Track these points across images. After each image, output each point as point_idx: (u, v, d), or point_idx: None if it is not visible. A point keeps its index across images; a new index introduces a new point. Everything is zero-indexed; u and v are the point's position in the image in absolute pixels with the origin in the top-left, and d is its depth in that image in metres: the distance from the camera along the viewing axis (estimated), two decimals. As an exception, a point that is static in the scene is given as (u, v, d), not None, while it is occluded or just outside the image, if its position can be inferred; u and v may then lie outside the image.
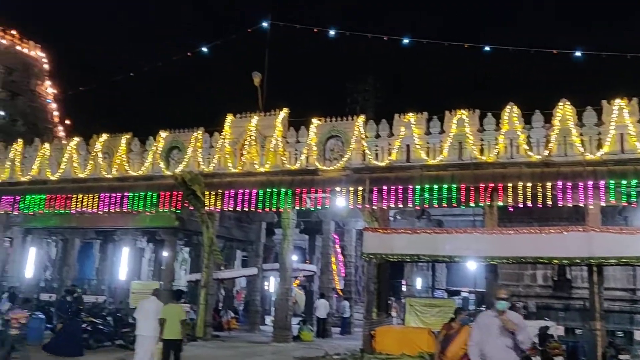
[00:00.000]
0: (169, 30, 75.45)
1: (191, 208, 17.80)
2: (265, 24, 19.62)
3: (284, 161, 17.15)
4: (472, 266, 15.86)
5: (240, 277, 24.08)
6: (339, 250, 24.45)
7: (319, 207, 17.24)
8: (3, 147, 22.24)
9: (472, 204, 14.74)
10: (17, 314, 11.08)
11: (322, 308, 19.18)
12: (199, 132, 18.54)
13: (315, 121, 17.06)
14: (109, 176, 19.45)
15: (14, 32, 40.25)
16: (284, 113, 17.70)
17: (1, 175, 21.49)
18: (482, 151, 15.11)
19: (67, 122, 40.65)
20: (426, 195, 15.16)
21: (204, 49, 19.86)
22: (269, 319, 21.93)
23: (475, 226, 16.51)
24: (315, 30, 18.52)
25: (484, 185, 14.51)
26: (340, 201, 16.15)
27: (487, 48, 17.64)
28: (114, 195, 19.05)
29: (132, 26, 79.70)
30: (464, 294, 21.27)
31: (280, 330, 16.81)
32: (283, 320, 16.89)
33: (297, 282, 24.52)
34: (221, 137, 18.10)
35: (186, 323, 10.51)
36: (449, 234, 13.49)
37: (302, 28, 18.89)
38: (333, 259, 22.88)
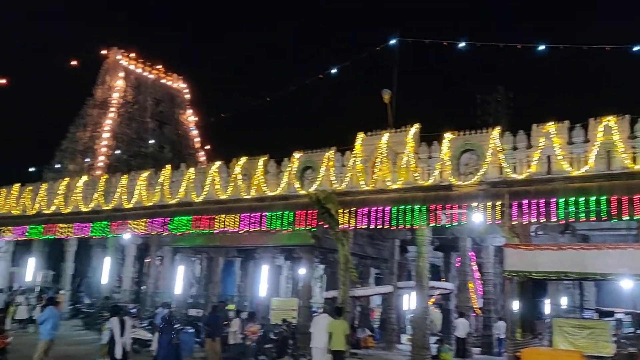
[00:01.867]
0: (301, 54, 78.22)
1: (326, 226, 18.13)
2: (393, 41, 19.66)
3: (417, 177, 16.95)
4: (627, 285, 14.58)
5: (376, 294, 24.02)
6: (475, 267, 23.61)
7: (454, 224, 16.79)
8: (153, 172, 24.14)
9: (625, 217, 13.59)
10: (252, 327, 12.61)
11: (461, 327, 18.58)
12: (331, 151, 18.90)
13: (447, 135, 16.72)
14: (248, 197, 20.38)
15: (159, 66, 43.81)
16: (415, 129, 17.55)
17: (152, 199, 23.31)
18: (634, 159, 13.93)
19: (208, 147, 43.26)
20: (571, 208, 14.21)
21: (334, 71, 20.30)
22: (404, 338, 21.64)
23: (628, 241, 15.20)
24: (445, 43, 18.22)
25: (639, 197, 13.34)
26: (477, 217, 15.61)
27: (637, 48, 16.28)
28: (253, 215, 19.90)
29: (263, 53, 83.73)
30: (618, 315, 19.56)
31: (418, 350, 16.52)
32: (421, 339, 16.58)
33: (433, 300, 23.98)
34: (352, 155, 18.31)
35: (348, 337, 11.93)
36: (599, 250, 12.49)
37: (430, 42, 18.68)
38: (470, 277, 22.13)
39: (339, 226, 17.57)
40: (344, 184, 18.28)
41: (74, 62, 30.78)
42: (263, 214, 19.60)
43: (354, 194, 17.94)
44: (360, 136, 18.35)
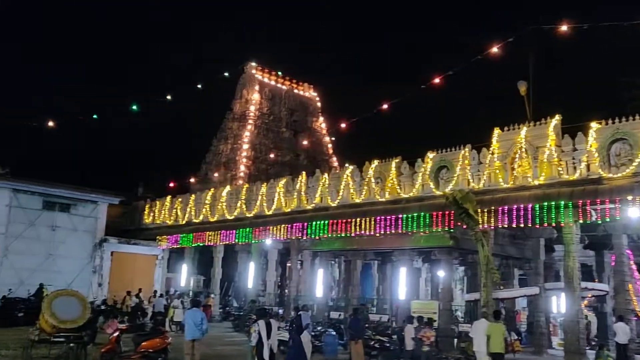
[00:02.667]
0: (429, 52, 77.15)
1: (464, 227, 17.62)
2: (528, 30, 18.65)
3: (561, 172, 15.93)
4: None
5: (521, 296, 22.90)
6: (634, 267, 21.65)
7: (606, 220, 15.56)
8: (290, 180, 24.99)
9: None
10: (426, 332, 12.97)
11: (621, 332, 17.10)
12: (465, 149, 18.36)
13: (594, 125, 15.53)
14: (382, 199, 20.38)
15: (291, 78, 45.30)
16: (555, 120, 16.50)
17: (291, 205, 24.13)
18: None
19: (341, 152, 43.93)
20: None
21: (465, 65, 19.70)
22: (555, 342, 20.41)
23: None
24: (584, 26, 16.91)
25: None
26: (634, 211, 14.33)
27: None
28: (389, 217, 19.87)
29: (390, 54, 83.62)
30: None
31: (572, 355, 15.47)
32: (575, 345, 15.51)
33: (586, 302, 22.36)
34: (489, 152, 17.64)
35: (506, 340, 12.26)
36: None
37: (568, 27, 17.43)
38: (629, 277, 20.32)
39: (478, 226, 16.97)
40: (481, 182, 17.66)
41: (224, 74, 33.06)
42: (398, 216, 19.50)
43: (492, 192, 17.27)
44: (496, 132, 17.62)
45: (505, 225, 17.10)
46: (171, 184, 36.72)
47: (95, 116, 29.23)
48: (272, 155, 39.81)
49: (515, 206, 16.45)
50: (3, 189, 26.94)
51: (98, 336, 14.60)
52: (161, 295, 25.88)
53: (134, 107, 28.05)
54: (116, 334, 12.85)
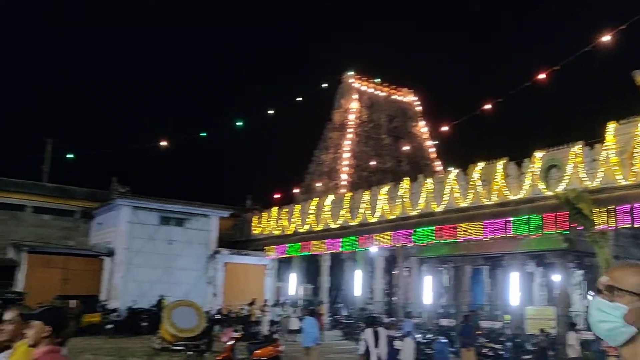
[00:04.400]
0: (530, 45, 74.08)
1: (579, 228, 16.66)
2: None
3: (688, 165, 14.67)
4: None
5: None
6: None
7: None
8: (393, 186, 24.84)
9: None
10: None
11: None
12: (577, 146, 17.37)
13: None
14: (490, 203, 19.73)
15: (389, 84, 45.14)
16: (679, 109, 15.25)
17: (394, 212, 23.96)
18: None
19: (443, 156, 43.08)
20: None
21: (574, 57, 18.67)
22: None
23: None
24: None
25: None
26: None
27: None
28: (497, 221, 19.21)
29: (491, 52, 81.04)
30: None
31: None
32: None
33: None
34: (604, 148, 16.57)
35: None
36: None
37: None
38: None
39: (595, 227, 15.98)
40: (596, 180, 16.62)
41: (324, 85, 33.75)
42: (507, 219, 18.79)
43: (610, 190, 16.19)
44: (611, 126, 16.53)
45: (627, 225, 15.97)
46: (277, 195, 37.71)
47: (203, 134, 30.73)
48: (373, 163, 39.78)
49: (638, 204, 15.33)
50: (125, 207, 28.98)
51: (214, 344, 15.25)
52: (275, 305, 26.58)
53: (239, 123, 29.18)
54: (231, 342, 13.35)
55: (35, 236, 30.63)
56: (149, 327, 21.22)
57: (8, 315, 3.88)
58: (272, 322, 23.39)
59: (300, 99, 31.51)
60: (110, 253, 28.81)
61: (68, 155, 31.32)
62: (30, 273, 27.01)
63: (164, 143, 29.09)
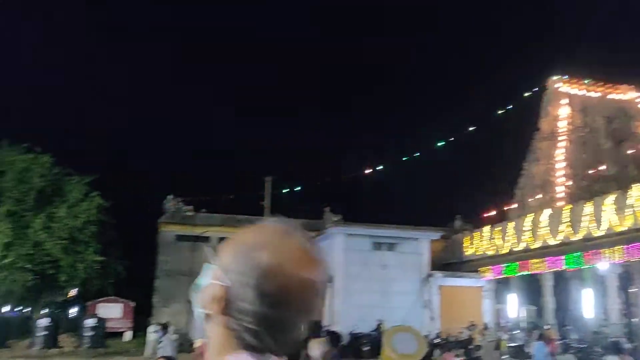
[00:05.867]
0: None
1: None
2: None
3: None
4: None
5: None
6: None
7: None
8: (620, 194, 22.38)
9: None
10: None
11: None
12: None
13: None
14: None
15: (604, 83, 41.27)
16: None
17: (624, 223, 21.53)
18: None
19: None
20: None
21: None
22: None
23: None
24: None
25: None
26: None
27: None
28: None
29: None
30: None
31: None
32: None
33: None
34: None
35: None
36: None
37: None
38: None
39: None
40: None
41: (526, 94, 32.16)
42: None
43: None
44: None
45: None
46: (487, 214, 36.40)
47: (405, 158, 31.04)
48: (592, 171, 36.39)
49: None
50: (338, 235, 30.31)
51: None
52: (497, 328, 25.46)
53: (440, 144, 28.94)
54: (454, 367, 13.02)
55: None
56: (370, 352, 21.72)
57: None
58: (496, 347, 22.36)
59: (504, 110, 30.25)
60: (330, 280, 30.21)
61: (284, 190, 33.90)
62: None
63: (368, 170, 29.99)
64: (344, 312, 28.74)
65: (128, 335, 31.53)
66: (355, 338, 24.80)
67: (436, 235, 32.35)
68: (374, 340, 21.45)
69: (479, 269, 31.70)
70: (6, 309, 34.48)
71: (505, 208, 39.06)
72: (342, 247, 30.16)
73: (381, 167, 31.91)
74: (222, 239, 33.96)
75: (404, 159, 31.27)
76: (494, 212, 37.08)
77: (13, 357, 21.26)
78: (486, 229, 31.98)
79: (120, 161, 73.25)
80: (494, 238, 30.75)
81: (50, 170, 30.40)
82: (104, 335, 23.76)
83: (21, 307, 39.00)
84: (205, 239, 34.15)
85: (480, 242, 32.15)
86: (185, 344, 25.30)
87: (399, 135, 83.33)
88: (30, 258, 27.71)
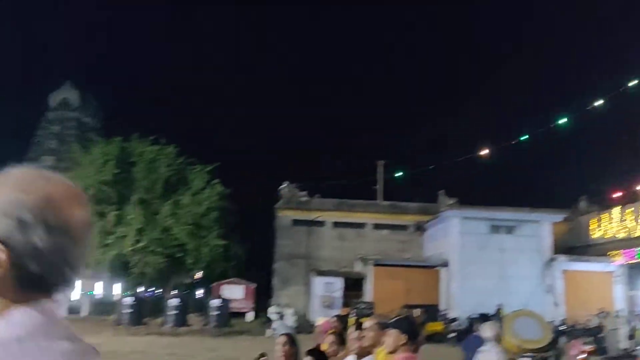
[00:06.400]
0: None
1: None
2: None
3: None
4: None
5: None
6: None
7: None
8: None
9: None
10: None
11: None
12: None
13: None
14: None
15: None
16: None
17: None
18: None
19: None
20: None
21: None
22: None
23: None
24: None
25: None
26: None
27: None
28: None
29: None
30: None
31: None
32: None
33: None
34: None
35: None
36: None
37: None
38: None
39: None
40: None
41: None
42: None
43: None
44: None
45: None
46: (616, 194, 33.91)
47: (524, 137, 29.58)
48: None
49: None
50: (454, 218, 29.67)
51: (563, 358, 14.32)
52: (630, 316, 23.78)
53: (563, 121, 27.26)
54: (582, 356, 12.35)
55: (376, 250, 33.56)
56: (490, 337, 21.11)
57: (367, 323, 4.24)
58: (630, 336, 20.87)
59: (637, 81, 27.87)
60: (445, 264, 29.75)
61: (397, 174, 33.65)
62: (377, 284, 29.66)
63: (485, 152, 28.93)
64: (461, 296, 28.18)
65: (250, 316, 32.94)
66: (474, 323, 24.20)
67: (559, 217, 30.69)
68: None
69: (609, 253, 29.68)
70: (140, 290, 37.30)
71: (637, 187, 36.18)
72: (457, 231, 29.52)
73: (498, 147, 30.62)
74: (336, 223, 34.64)
75: (522, 138, 29.78)
76: (623, 192, 34.46)
77: (148, 333, 22.93)
78: (616, 210, 29.83)
79: (239, 150, 76.37)
80: (625, 220, 28.64)
81: (175, 160, 32.36)
82: (229, 315, 24.96)
83: (153, 289, 42.06)
84: (320, 224, 34.82)
85: (610, 224, 30.08)
86: (304, 325, 26.09)
87: (516, 113, 79.68)
88: (160, 242, 29.76)
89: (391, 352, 3.51)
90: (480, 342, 6.67)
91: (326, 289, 31.26)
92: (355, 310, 21.94)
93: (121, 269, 32.89)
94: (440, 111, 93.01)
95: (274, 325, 24.97)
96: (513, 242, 29.41)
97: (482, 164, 39.75)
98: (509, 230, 29.75)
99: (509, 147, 30.94)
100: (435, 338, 22.59)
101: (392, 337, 3.48)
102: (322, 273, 32.52)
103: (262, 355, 10.54)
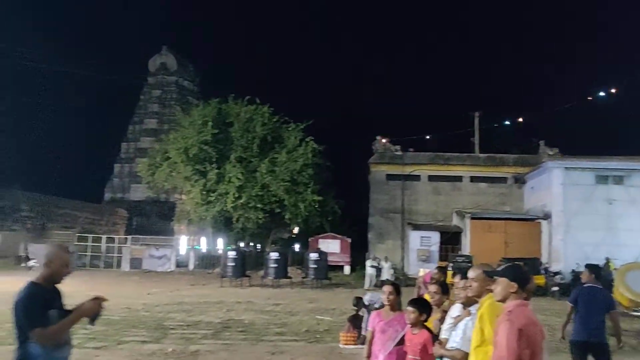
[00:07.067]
0: None
1: None
2: None
3: None
4: None
5: None
6: None
7: None
8: None
9: None
10: None
11: None
12: None
13: None
14: None
15: None
16: None
17: None
18: None
19: None
20: None
21: None
22: None
23: None
24: None
25: None
26: None
27: None
28: None
29: None
30: None
31: None
32: None
33: None
34: None
35: None
36: None
37: None
38: None
39: None
40: None
41: None
42: None
43: None
44: None
45: None
46: None
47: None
48: None
49: None
50: (556, 169, 28.38)
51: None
52: None
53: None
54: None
55: (473, 204, 32.90)
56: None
57: (472, 273, 4.21)
58: None
59: None
60: (546, 216, 28.68)
61: (494, 125, 32.48)
62: (474, 238, 29.16)
63: (588, 98, 27.27)
64: (564, 249, 27.20)
65: (347, 269, 33.54)
66: (578, 277, 23.30)
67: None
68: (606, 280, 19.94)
69: None
70: (242, 244, 38.93)
71: None
72: (560, 182, 28.27)
73: (603, 93, 28.74)
74: (431, 176, 34.18)
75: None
76: None
77: (251, 285, 24.00)
78: None
79: (331, 106, 76.48)
80: None
81: (270, 119, 32.98)
82: (326, 268, 25.54)
83: (254, 244, 43.78)
84: (415, 177, 34.50)
85: None
86: (401, 278, 26.28)
87: (625, 57, 73.85)
88: (259, 199, 30.74)
89: (501, 300, 3.47)
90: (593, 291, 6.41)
91: (422, 243, 31.17)
92: (453, 263, 21.78)
93: (224, 224, 34.43)
94: (539, 55, 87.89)
95: (367, 278, 25.37)
96: (623, 193, 27.79)
97: (586, 110, 37.53)
98: (618, 180, 28.09)
99: (617, 92, 28.95)
100: (538, 291, 22.00)
101: (502, 285, 3.43)
102: (417, 227, 32.38)
103: (358, 298, 10.80)
